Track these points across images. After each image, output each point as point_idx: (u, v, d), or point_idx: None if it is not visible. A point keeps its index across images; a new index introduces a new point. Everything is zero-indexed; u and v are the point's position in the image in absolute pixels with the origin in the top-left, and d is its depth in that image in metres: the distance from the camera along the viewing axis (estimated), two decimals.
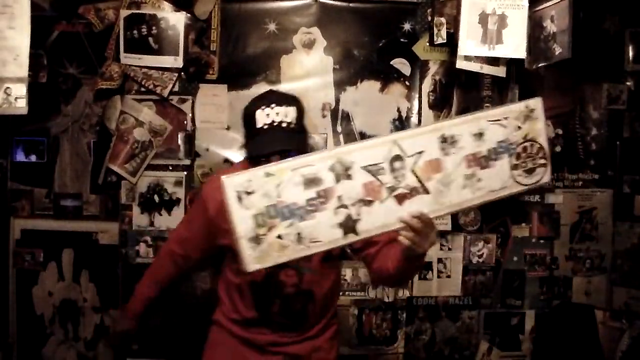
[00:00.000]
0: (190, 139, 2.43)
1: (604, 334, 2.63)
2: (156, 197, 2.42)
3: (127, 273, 2.41)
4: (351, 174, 1.34)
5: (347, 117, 2.48)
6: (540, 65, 2.31)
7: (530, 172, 1.44)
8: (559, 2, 2.15)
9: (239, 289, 1.74)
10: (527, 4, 2.00)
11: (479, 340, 2.60)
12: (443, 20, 2.39)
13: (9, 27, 1.78)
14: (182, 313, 2.42)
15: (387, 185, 1.35)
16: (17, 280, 2.55)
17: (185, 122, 2.42)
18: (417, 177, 1.36)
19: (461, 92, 2.51)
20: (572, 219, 2.66)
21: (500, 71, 2.33)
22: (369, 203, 1.35)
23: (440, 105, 2.51)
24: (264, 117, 1.56)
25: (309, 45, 2.46)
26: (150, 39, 2.33)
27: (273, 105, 1.57)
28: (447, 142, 1.38)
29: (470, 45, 2.09)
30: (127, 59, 2.33)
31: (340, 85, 2.47)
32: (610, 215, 2.71)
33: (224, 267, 1.83)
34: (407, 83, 2.51)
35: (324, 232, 1.35)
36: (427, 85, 2.51)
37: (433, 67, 2.50)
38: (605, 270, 2.71)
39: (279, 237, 1.33)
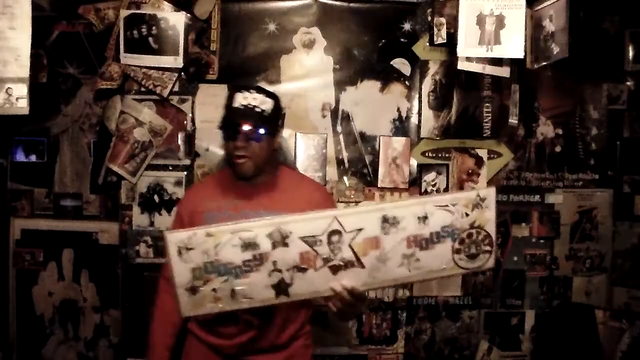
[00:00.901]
0: (190, 139, 2.43)
1: (604, 334, 2.63)
2: (156, 197, 2.42)
3: (127, 273, 2.41)
4: (288, 243, 1.40)
5: (347, 117, 2.48)
6: (540, 65, 2.31)
7: (472, 257, 1.47)
8: (556, 1, 2.15)
9: None
10: (524, 4, 2.01)
11: (479, 340, 2.60)
12: (443, 20, 2.39)
13: (10, 28, 1.78)
14: None
15: (323, 256, 1.41)
16: (17, 280, 2.55)
17: (185, 122, 2.42)
18: (354, 252, 1.41)
19: (461, 92, 2.51)
20: (572, 219, 2.67)
21: (504, 71, 2.32)
22: (303, 270, 1.41)
23: (440, 105, 2.51)
24: (241, 98, 1.67)
25: (309, 45, 2.46)
26: (150, 39, 2.32)
27: (253, 91, 1.69)
28: (388, 222, 1.41)
29: (469, 47, 2.09)
30: (127, 59, 2.33)
31: (340, 85, 2.47)
32: (610, 215, 2.71)
33: None
34: (407, 83, 2.51)
35: (257, 291, 1.43)
36: (427, 85, 2.51)
37: (433, 67, 2.50)
38: (605, 270, 2.71)
39: (214, 290, 1.42)
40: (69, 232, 2.54)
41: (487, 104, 2.51)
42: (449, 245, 1.44)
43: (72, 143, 2.54)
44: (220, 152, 2.43)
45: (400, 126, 2.51)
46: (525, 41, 2.27)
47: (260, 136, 1.67)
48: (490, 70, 2.29)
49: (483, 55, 2.10)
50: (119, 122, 2.40)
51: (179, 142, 2.42)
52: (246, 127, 1.65)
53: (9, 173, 2.55)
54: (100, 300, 2.53)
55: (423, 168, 2.52)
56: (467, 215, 1.44)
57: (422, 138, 2.52)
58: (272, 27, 2.44)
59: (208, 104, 2.43)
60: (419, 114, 2.51)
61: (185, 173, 2.43)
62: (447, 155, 2.54)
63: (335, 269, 1.41)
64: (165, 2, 2.33)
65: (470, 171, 2.53)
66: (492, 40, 2.05)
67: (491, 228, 1.47)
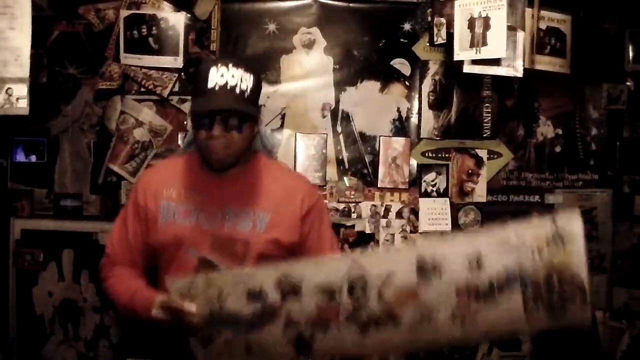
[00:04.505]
0: None
1: (604, 334, 2.63)
2: None
3: None
4: (301, 292, 1.19)
5: (347, 117, 2.48)
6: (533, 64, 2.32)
7: (555, 310, 1.10)
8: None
9: None
10: (506, 4, 2.02)
11: None
12: (443, 20, 2.38)
13: (10, 28, 1.78)
14: None
15: (346, 308, 1.17)
16: (17, 280, 2.55)
17: (185, 122, 2.42)
18: (385, 303, 1.14)
19: (461, 92, 2.51)
20: None
21: (516, 71, 2.30)
22: (324, 326, 1.19)
23: (440, 105, 2.51)
24: (217, 76, 1.39)
25: (309, 45, 2.46)
26: (150, 39, 2.32)
27: (230, 65, 1.41)
28: (425, 268, 1.12)
29: (462, 50, 2.13)
30: (127, 59, 2.33)
31: (340, 85, 2.47)
32: (610, 215, 2.70)
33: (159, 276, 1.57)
34: (407, 83, 2.51)
35: (274, 347, 1.23)
36: (427, 85, 2.51)
37: (433, 67, 2.50)
38: (605, 270, 2.70)
39: (227, 343, 1.25)
40: (69, 232, 2.53)
41: (487, 104, 2.51)
42: (518, 295, 1.09)
43: (72, 143, 2.54)
44: None
45: (400, 126, 2.51)
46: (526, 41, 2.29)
47: (242, 125, 1.41)
48: (501, 71, 2.28)
49: (473, 57, 2.13)
50: (119, 122, 2.40)
51: (179, 142, 2.42)
52: (224, 115, 1.39)
53: (9, 173, 2.55)
54: (100, 300, 2.53)
55: (423, 168, 2.52)
56: (540, 253, 1.09)
57: (422, 138, 2.52)
58: (272, 27, 2.44)
59: None
60: (419, 114, 2.51)
61: None
62: (447, 155, 2.54)
63: (363, 326, 1.15)
64: (165, 2, 2.33)
65: (470, 171, 2.54)
66: (480, 42, 2.07)
67: (580, 269, 1.12)
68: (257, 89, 1.47)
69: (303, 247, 1.54)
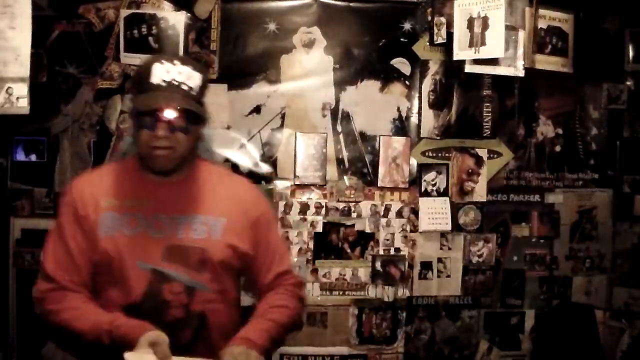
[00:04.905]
0: None
1: (604, 334, 2.63)
2: None
3: None
4: None
5: (347, 117, 2.48)
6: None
7: None
8: None
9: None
10: (504, 3, 2.03)
11: (479, 340, 2.60)
12: (443, 20, 2.39)
13: (10, 27, 1.78)
14: None
15: None
16: (17, 280, 2.55)
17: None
18: None
19: (461, 91, 2.51)
20: (572, 219, 2.66)
21: (517, 71, 2.30)
22: None
23: (440, 104, 2.51)
24: (162, 72, 1.29)
25: (309, 44, 2.46)
26: (150, 39, 2.32)
27: (177, 62, 1.32)
28: None
29: (462, 50, 2.14)
30: (127, 58, 2.33)
31: (340, 85, 2.47)
32: (610, 215, 2.71)
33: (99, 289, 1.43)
34: (407, 83, 2.51)
35: None
36: (427, 85, 2.51)
37: (433, 67, 2.50)
38: (605, 270, 2.71)
39: None
40: None
41: (487, 104, 2.51)
42: None
43: (72, 143, 2.54)
44: (221, 152, 2.43)
45: (400, 126, 2.51)
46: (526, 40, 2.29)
47: (188, 125, 1.32)
48: (501, 71, 2.28)
49: (472, 57, 2.13)
50: (119, 122, 2.40)
51: None
52: (171, 114, 1.28)
53: (9, 173, 2.55)
54: None
55: (423, 168, 2.52)
56: None
57: (422, 138, 2.52)
58: (272, 26, 2.44)
59: (208, 104, 2.41)
60: (419, 113, 2.51)
61: None
62: (447, 155, 2.54)
63: None
64: (165, 2, 2.33)
65: (470, 171, 2.54)
66: (479, 42, 2.09)
67: None
68: (204, 87, 1.39)
69: (253, 259, 1.49)
